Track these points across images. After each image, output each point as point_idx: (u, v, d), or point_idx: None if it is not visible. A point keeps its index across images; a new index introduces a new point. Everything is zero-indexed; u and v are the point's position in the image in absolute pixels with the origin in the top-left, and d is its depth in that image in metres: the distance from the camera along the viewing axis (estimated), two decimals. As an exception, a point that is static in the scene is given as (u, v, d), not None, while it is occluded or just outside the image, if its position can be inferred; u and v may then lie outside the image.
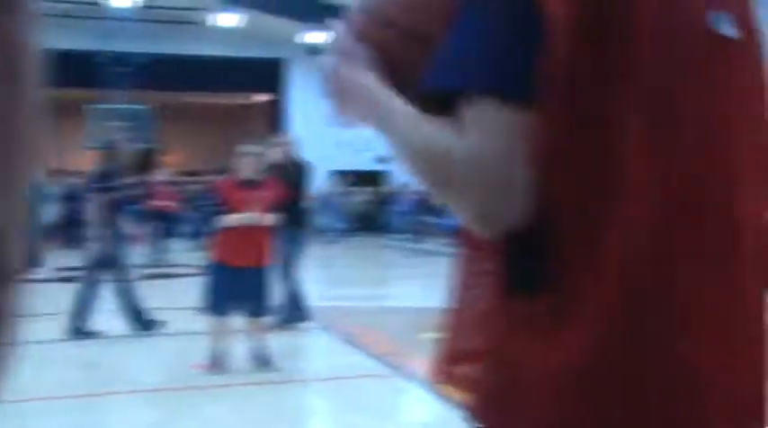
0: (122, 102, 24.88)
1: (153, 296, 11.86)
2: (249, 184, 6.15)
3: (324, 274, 15.90)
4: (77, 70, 24.91)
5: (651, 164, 0.95)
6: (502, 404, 1.02)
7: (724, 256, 0.99)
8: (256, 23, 25.47)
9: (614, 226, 0.93)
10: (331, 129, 22.71)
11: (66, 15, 24.55)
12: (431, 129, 1.01)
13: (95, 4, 24.05)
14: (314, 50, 27.57)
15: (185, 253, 19.64)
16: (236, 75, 27.03)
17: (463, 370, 1.09)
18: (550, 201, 0.95)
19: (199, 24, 26.36)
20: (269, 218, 6.20)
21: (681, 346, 0.94)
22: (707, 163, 1.00)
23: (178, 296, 11.51)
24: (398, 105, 1.07)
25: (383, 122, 1.09)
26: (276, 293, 7.99)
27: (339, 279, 14.97)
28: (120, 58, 24.79)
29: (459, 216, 1.02)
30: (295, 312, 8.09)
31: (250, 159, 6.19)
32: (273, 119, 28.97)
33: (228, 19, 25.03)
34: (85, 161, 33.58)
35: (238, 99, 32.09)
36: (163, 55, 24.72)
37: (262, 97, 30.54)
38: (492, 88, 0.96)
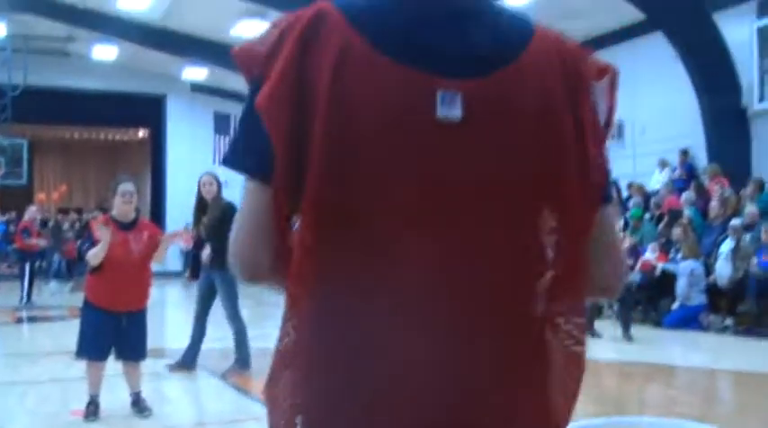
0: (-5, 135, 23.90)
1: (26, 340, 11.37)
2: (123, 225, 5.92)
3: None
4: (-55, 101, 23.88)
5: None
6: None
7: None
8: (136, 58, 25.03)
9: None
10: (215, 167, 22.40)
11: (-66, 44, 23.54)
12: None
13: (-34, 33, 23.13)
14: (195, 86, 27.33)
15: (60, 294, 18.95)
16: (116, 110, 26.46)
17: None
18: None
19: (77, 56, 25.71)
20: (157, 257, 6.01)
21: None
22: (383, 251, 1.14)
23: (53, 340, 11.04)
24: None
25: None
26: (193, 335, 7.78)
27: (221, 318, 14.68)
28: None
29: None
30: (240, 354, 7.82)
31: (125, 198, 5.95)
32: (154, 154, 28.45)
33: (107, 52, 24.46)
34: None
35: (118, 134, 31.35)
36: (39, 87, 23.91)
37: (142, 132, 29.96)
38: (239, 168, 1.22)
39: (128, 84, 26.18)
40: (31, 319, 14.18)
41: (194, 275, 7.93)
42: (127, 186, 5.96)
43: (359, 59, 1.14)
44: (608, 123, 1.26)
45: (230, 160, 1.23)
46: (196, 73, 25.70)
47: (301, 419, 1.16)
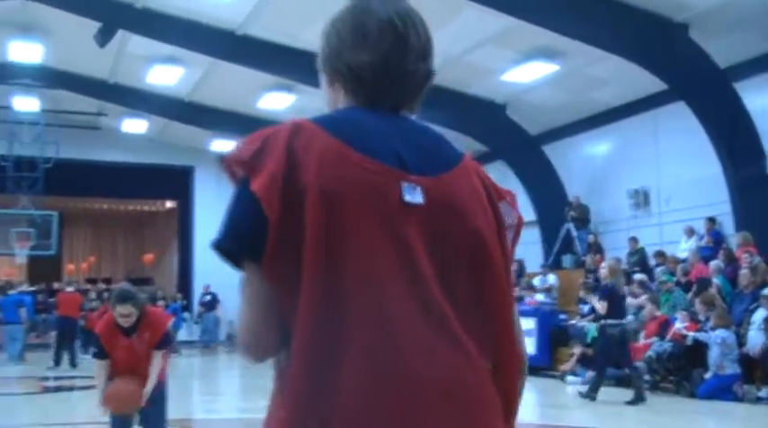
0: (27, 207, 24.26)
1: (56, 409, 11.37)
2: (126, 330, 5.73)
3: (238, 385, 15.62)
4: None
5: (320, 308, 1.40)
6: None
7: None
8: (165, 131, 25.46)
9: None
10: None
11: (-30, 119, 24.13)
12: None
13: (1, 107, 23.68)
14: (221, 158, 27.67)
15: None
16: (145, 182, 26.80)
17: None
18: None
19: (107, 130, 26.20)
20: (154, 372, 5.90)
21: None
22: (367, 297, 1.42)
23: (82, 409, 11.04)
24: None
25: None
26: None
27: (252, 389, 14.69)
28: (25, 163, 24.31)
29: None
30: None
31: (122, 319, 5.68)
32: (181, 225, 28.69)
33: (137, 126, 24.93)
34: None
35: (146, 205, 31.71)
36: (70, 160, 24.37)
37: (169, 203, 30.25)
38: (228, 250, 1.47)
39: (157, 156, 26.60)
40: (58, 389, 14.20)
41: None
42: (124, 309, 5.67)
43: (338, 157, 1.46)
44: (518, 230, 1.69)
45: (223, 246, 1.46)
46: (223, 145, 26.06)
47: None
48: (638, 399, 10.87)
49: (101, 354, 5.78)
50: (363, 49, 1.60)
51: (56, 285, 22.02)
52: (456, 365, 1.45)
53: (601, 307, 11.28)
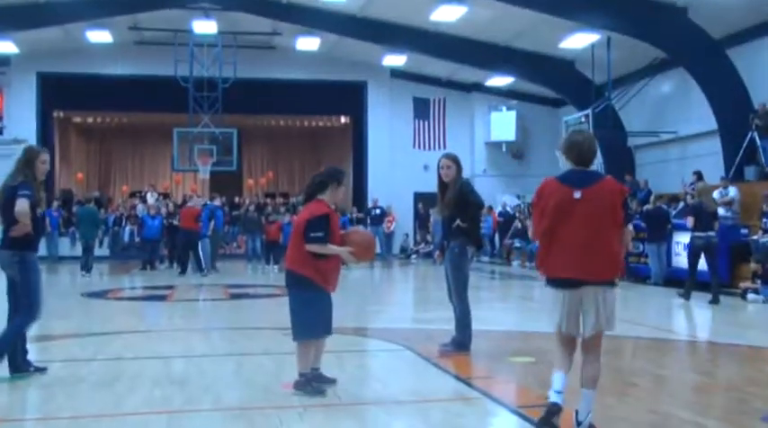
0: (208, 125, 25.39)
1: (239, 315, 12.06)
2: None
3: (412, 296, 15.94)
4: (163, 95, 25.58)
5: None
6: None
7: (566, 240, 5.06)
8: (337, 48, 25.78)
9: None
10: (413, 152, 22.69)
11: (153, 43, 25.28)
12: None
13: (180, 30, 24.66)
14: (394, 73, 27.83)
15: (274, 274, 19.92)
16: (319, 98, 27.36)
17: None
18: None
19: (281, 49, 26.82)
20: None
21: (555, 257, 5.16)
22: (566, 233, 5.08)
23: (263, 315, 11.64)
24: None
25: None
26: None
27: (426, 300, 14.99)
28: (205, 83, 25.34)
29: None
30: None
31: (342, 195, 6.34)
32: (355, 139, 29.20)
33: (310, 43, 25.38)
34: (172, 183, 34.22)
35: (321, 121, 32.41)
36: (247, 79, 25.18)
37: (344, 119, 30.78)
38: None
39: (330, 73, 27.07)
40: (243, 296, 15.01)
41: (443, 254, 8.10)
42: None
43: (554, 186, 5.08)
44: (624, 199, 5.12)
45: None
46: (395, 59, 26.18)
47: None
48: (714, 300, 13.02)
49: (327, 237, 6.06)
50: (573, 151, 5.04)
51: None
52: (588, 243, 4.92)
53: (689, 221, 13.61)
